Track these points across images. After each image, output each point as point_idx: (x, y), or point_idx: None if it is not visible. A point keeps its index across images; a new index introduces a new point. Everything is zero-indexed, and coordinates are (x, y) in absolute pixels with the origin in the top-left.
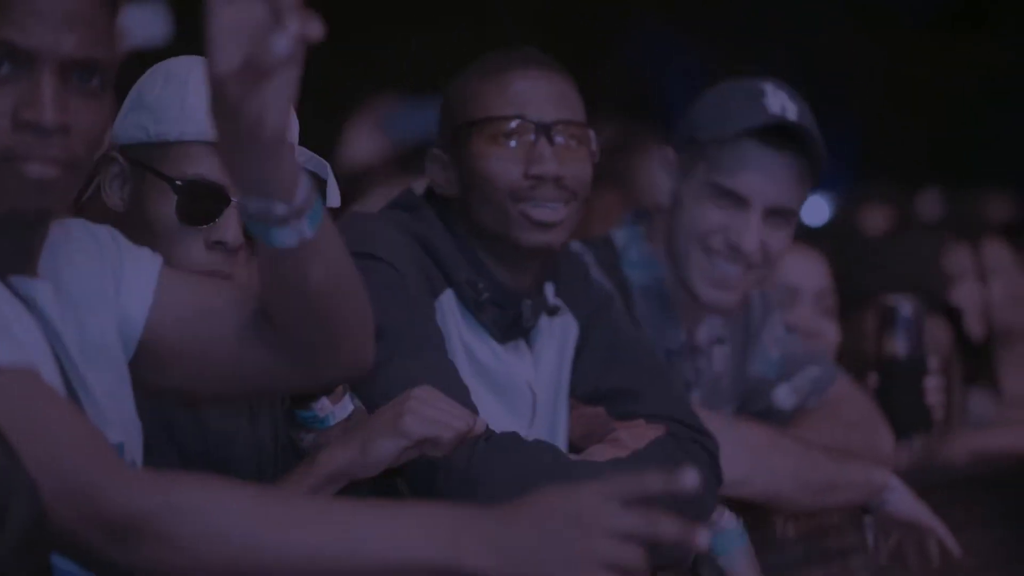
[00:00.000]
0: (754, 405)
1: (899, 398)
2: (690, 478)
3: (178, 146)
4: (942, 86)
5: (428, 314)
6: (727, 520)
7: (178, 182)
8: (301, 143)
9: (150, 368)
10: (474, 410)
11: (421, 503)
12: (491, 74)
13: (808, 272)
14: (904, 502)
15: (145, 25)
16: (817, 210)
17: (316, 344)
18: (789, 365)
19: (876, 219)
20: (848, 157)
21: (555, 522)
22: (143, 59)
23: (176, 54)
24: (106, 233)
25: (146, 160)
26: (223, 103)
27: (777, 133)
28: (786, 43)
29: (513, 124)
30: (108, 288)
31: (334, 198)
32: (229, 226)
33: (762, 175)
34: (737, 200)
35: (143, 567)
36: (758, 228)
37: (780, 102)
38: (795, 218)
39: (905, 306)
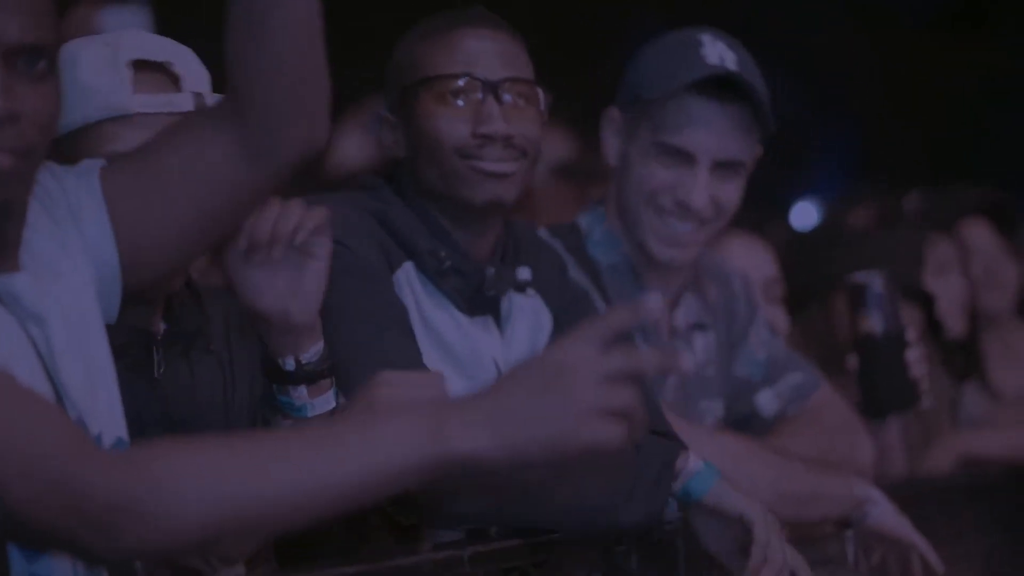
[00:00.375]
0: (738, 409)
1: (882, 376)
2: (652, 301)
3: (85, 130)
4: (942, 86)
5: (388, 291)
6: (693, 463)
7: None
8: None
9: (147, 266)
10: (410, 345)
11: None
12: (438, 33)
13: (755, 261)
14: (886, 516)
15: (125, 26)
16: (806, 213)
17: (280, 108)
18: (773, 369)
19: (864, 219)
20: (847, 157)
21: (540, 383)
22: None
23: None
24: (47, 176)
25: (61, 154)
26: None
27: (718, 85)
28: (786, 43)
29: (461, 82)
30: (72, 235)
31: None
32: None
33: (706, 129)
34: (683, 157)
35: (137, 552)
36: (706, 184)
37: (718, 52)
38: (745, 169)
39: (876, 282)
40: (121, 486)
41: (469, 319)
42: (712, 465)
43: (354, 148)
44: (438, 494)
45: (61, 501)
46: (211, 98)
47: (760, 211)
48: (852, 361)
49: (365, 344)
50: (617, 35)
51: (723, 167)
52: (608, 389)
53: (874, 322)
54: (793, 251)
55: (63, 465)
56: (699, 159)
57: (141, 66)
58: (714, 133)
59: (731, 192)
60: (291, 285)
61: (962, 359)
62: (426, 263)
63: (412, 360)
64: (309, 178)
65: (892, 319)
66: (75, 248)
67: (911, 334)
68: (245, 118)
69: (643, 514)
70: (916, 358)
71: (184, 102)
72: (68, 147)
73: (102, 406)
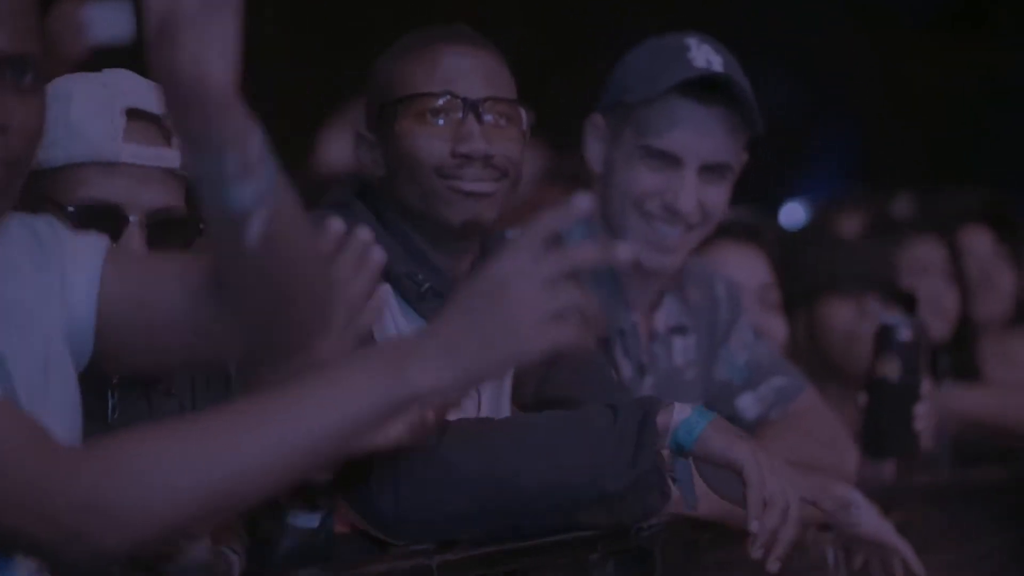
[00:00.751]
0: (718, 412)
1: (886, 422)
2: (582, 201)
3: (68, 170)
4: (942, 86)
5: None
6: (678, 413)
7: (70, 208)
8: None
9: (114, 352)
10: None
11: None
12: (418, 50)
13: (747, 268)
14: (868, 520)
15: (110, 23)
16: (793, 213)
17: (275, 314)
18: (755, 373)
19: (854, 222)
20: (845, 157)
21: (483, 304)
22: (108, 58)
23: (142, 52)
24: (45, 226)
25: (39, 189)
26: (161, 58)
27: (704, 87)
28: (786, 43)
29: (441, 101)
30: (54, 288)
31: None
32: (132, 247)
33: (692, 132)
34: (670, 160)
35: (112, 553)
36: (694, 186)
37: (705, 55)
38: (732, 173)
39: (903, 330)
40: (87, 484)
41: None
42: (702, 411)
43: (341, 148)
44: (414, 508)
45: (27, 503)
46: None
47: (756, 212)
48: (862, 398)
49: None
50: (611, 35)
51: (710, 170)
52: (549, 293)
53: (892, 368)
54: (780, 256)
55: (26, 465)
56: (686, 161)
57: (134, 115)
58: (701, 135)
59: (718, 196)
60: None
61: (946, 362)
62: (404, 286)
63: None
64: (294, 176)
65: (910, 369)
66: (53, 298)
67: (925, 387)
68: (245, 320)
69: (628, 478)
70: (924, 412)
71: (173, 158)
72: (45, 184)
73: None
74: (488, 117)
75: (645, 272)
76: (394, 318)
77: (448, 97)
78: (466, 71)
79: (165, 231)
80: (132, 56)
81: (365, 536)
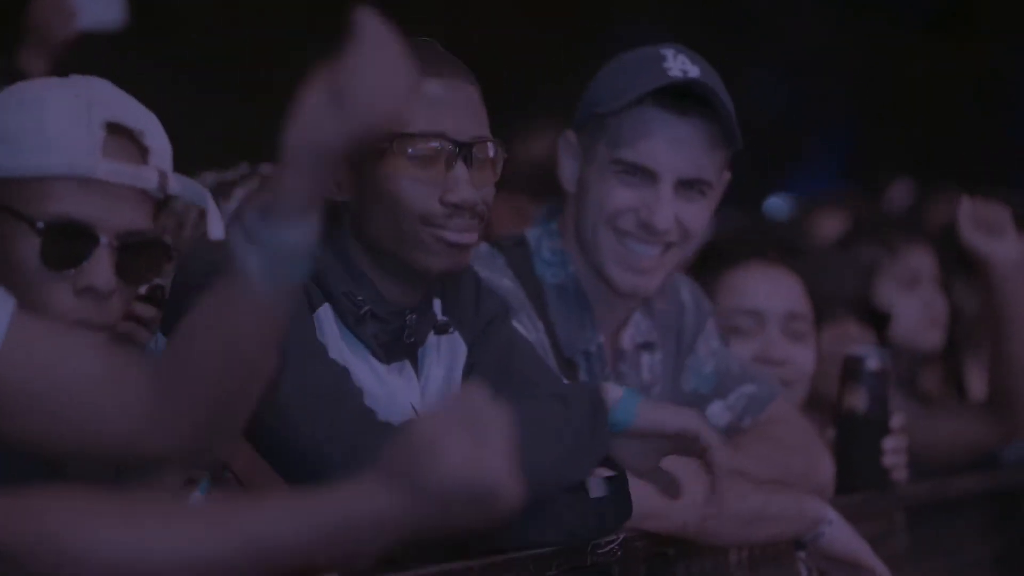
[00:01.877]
0: None
1: (854, 454)
2: None
3: (38, 182)
4: (940, 86)
5: (307, 328)
6: (612, 392)
7: (40, 224)
8: (267, 148)
9: (8, 417)
10: (367, 413)
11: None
12: None
13: (773, 294)
14: (841, 537)
15: (100, 9)
16: (777, 211)
17: (210, 412)
18: (724, 381)
19: (837, 222)
20: (845, 156)
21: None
22: (97, 44)
23: (132, 40)
24: None
25: (4, 199)
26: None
27: (680, 97)
28: (786, 42)
29: (433, 144)
30: None
31: (217, 229)
32: (99, 270)
33: (668, 144)
34: (645, 174)
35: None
36: (670, 202)
37: (680, 65)
38: (711, 189)
39: (872, 360)
40: (10, 533)
41: (386, 367)
42: (632, 391)
43: None
44: None
45: None
46: (173, 179)
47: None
48: (830, 432)
49: (286, 373)
50: (608, 33)
51: (687, 186)
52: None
53: (859, 400)
54: None
55: None
56: (661, 176)
57: (113, 129)
58: (677, 148)
59: (697, 214)
60: None
61: (940, 375)
62: (343, 307)
63: (339, 383)
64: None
65: (878, 402)
66: None
67: (896, 422)
68: (165, 398)
69: (589, 467)
70: (893, 447)
71: (149, 178)
72: (16, 192)
73: None
74: (478, 157)
75: (621, 295)
76: (336, 341)
77: (440, 141)
78: (455, 108)
79: (134, 253)
80: (122, 44)
81: None
